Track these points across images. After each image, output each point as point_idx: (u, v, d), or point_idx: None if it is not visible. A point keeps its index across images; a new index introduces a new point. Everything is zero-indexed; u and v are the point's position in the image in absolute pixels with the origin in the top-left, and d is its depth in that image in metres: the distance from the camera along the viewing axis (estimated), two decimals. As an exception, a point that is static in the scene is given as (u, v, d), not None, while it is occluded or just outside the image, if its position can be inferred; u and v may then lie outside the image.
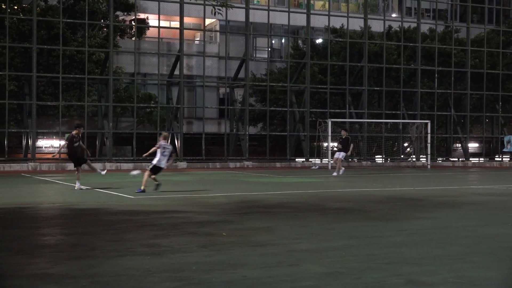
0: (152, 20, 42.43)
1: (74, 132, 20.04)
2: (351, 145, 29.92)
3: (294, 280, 7.33)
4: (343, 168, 29.62)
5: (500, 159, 45.12)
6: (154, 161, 18.75)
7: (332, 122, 37.03)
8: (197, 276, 7.46)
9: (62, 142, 24.47)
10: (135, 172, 20.57)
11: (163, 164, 18.89)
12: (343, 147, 29.47)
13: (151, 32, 43.13)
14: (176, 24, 40.73)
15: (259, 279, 7.37)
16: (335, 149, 30.91)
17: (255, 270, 7.87)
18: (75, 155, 19.98)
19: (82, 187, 19.85)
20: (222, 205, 15.28)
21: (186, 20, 40.48)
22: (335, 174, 29.14)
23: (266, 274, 7.62)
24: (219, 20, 42.33)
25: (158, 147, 18.86)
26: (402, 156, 43.19)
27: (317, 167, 36.63)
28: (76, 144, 19.84)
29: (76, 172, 20.13)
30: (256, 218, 13.05)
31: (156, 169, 18.76)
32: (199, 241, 9.97)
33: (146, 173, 18.72)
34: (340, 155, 29.58)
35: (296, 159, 40.35)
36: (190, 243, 9.75)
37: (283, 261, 8.44)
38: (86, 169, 20.77)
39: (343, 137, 29.74)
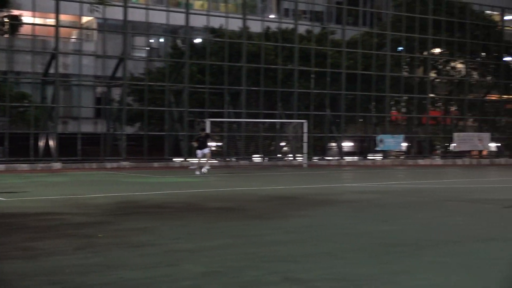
0: (27, 17, 41.11)
1: None
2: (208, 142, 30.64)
3: (173, 280, 7.30)
4: (196, 167, 30.24)
5: (373, 157, 46.51)
6: None
7: (210, 121, 37.11)
8: (73, 279, 7.30)
9: None
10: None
11: None
12: (202, 144, 29.98)
13: (25, 29, 41.77)
14: (51, 21, 39.66)
15: (137, 280, 7.30)
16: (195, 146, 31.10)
17: (133, 271, 7.78)
18: None
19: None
20: (99, 206, 15.01)
21: (62, 17, 39.46)
22: (201, 171, 29.48)
23: (145, 275, 7.55)
24: (97, 18, 41.53)
25: None
26: (279, 155, 43.79)
27: (195, 166, 36.57)
28: None
29: None
30: (134, 218, 12.90)
31: None
32: (75, 243, 9.76)
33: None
34: (202, 153, 29.97)
35: (174, 159, 40.15)
36: (66, 246, 9.52)
37: (161, 261, 8.39)
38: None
39: (203, 135, 30.28)
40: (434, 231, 11.58)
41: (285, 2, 49.98)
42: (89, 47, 44.65)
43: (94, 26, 44.95)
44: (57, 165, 35.27)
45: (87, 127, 42.06)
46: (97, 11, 19.33)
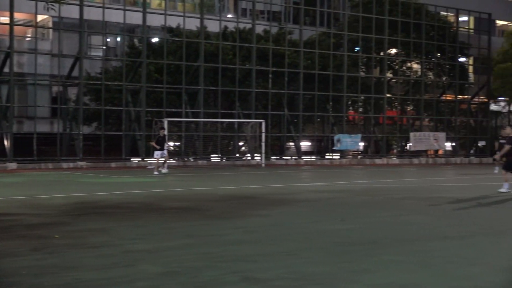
0: (-21, 15, 40.50)
1: None
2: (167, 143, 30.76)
3: (130, 281, 7.24)
4: (154, 167, 30.19)
5: (331, 157, 46.76)
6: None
7: (168, 121, 36.92)
8: (28, 280, 7.19)
9: None
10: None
11: None
12: (161, 144, 30.05)
13: (-22, 28, 41.17)
14: (5, 19, 39.05)
15: (94, 281, 7.22)
16: (157, 147, 31.01)
17: (90, 272, 7.70)
18: None
19: None
20: (55, 207, 14.83)
21: (17, 15, 38.91)
22: (161, 171, 29.47)
23: (102, 276, 7.48)
24: (52, 16, 41.03)
25: None
26: (237, 155, 43.79)
27: (153, 166, 36.33)
28: None
29: None
30: (91, 219, 12.77)
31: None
32: (31, 244, 9.62)
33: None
34: (161, 153, 29.98)
35: (132, 159, 39.86)
36: (21, 247, 9.38)
37: (119, 262, 8.32)
38: None
39: (162, 135, 30.30)
40: (392, 229, 11.68)
41: (242, 2, 49.96)
42: (44, 45, 44.13)
43: (50, 24, 44.42)
44: (12, 165, 34.76)
45: (43, 127, 41.55)
46: (52, 9, 19.08)
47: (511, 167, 19.12)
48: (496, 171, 30.66)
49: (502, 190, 19.15)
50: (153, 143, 30.60)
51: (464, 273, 7.89)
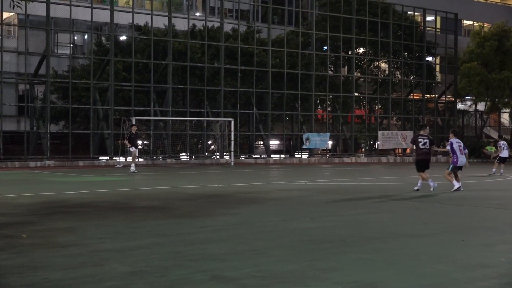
0: None
1: None
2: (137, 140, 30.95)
3: (98, 281, 7.20)
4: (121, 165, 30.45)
5: (300, 155, 46.93)
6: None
7: (136, 120, 36.77)
8: (-5, 281, 7.12)
9: None
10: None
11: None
12: (133, 141, 30.23)
13: None
14: (-29, 16, 38.62)
15: (62, 281, 7.18)
16: (128, 145, 31.12)
17: (57, 271, 7.65)
18: None
19: None
20: (22, 206, 14.70)
21: (-18, 12, 38.53)
22: (133, 169, 29.58)
23: (69, 276, 7.43)
24: (18, 14, 40.62)
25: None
26: (206, 153, 43.73)
27: (121, 165, 36.19)
28: None
29: None
30: (58, 218, 12.68)
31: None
32: (-3, 244, 9.53)
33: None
34: (135, 150, 30.21)
35: (100, 158, 39.63)
36: (-13, 247, 9.29)
37: (86, 261, 8.28)
38: None
39: (134, 132, 30.31)
40: (360, 228, 11.76)
41: (210, 0, 49.90)
42: (10, 43, 43.64)
43: (16, 22, 43.98)
44: (-22, 164, 34.38)
45: (9, 125, 41.12)
46: (18, 6, 18.88)
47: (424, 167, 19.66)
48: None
49: (416, 188, 19.67)
50: (126, 141, 30.55)
51: (430, 270, 7.98)
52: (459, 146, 19.98)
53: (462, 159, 19.86)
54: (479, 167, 36.99)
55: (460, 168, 20.05)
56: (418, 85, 52.37)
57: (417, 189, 19.42)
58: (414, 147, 20.04)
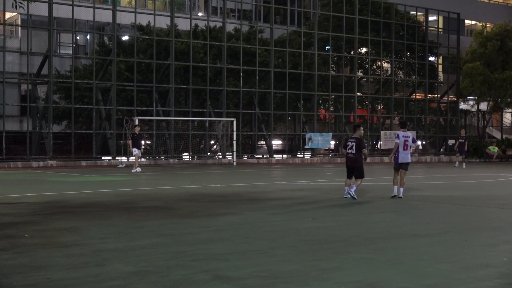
0: None
1: None
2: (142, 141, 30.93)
3: (101, 281, 7.20)
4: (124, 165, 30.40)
5: (302, 155, 46.91)
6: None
7: (139, 120, 36.77)
8: (-3, 280, 7.13)
9: None
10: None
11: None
12: (136, 142, 30.28)
13: None
14: (-27, 16, 38.66)
15: (64, 281, 7.18)
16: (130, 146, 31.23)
17: (60, 271, 7.65)
18: None
19: None
20: (25, 206, 14.71)
21: (-16, 12, 38.55)
22: (138, 170, 29.58)
23: (72, 275, 7.43)
24: (21, 14, 40.65)
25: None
26: (208, 153, 43.72)
27: (124, 165, 36.22)
28: None
29: None
30: (61, 218, 12.68)
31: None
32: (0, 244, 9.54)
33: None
34: (138, 150, 30.20)
35: (103, 158, 39.66)
36: (-11, 247, 9.29)
37: (89, 261, 8.27)
38: None
39: (137, 132, 30.33)
40: (362, 228, 11.75)
41: (213, 0, 49.92)
42: (13, 43, 43.68)
43: (18, 22, 44.00)
44: (-19, 164, 34.41)
45: (12, 125, 41.16)
46: (21, 6, 18.90)
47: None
48: (456, 165, 37.03)
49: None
50: (129, 142, 30.56)
51: (432, 270, 7.97)
52: (405, 140, 17.66)
53: (404, 156, 17.66)
54: (482, 167, 36.94)
55: (403, 166, 17.71)
56: (421, 85, 52.31)
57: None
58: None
